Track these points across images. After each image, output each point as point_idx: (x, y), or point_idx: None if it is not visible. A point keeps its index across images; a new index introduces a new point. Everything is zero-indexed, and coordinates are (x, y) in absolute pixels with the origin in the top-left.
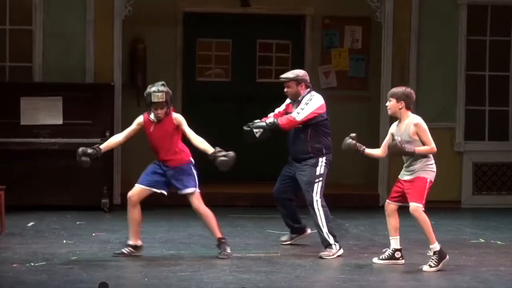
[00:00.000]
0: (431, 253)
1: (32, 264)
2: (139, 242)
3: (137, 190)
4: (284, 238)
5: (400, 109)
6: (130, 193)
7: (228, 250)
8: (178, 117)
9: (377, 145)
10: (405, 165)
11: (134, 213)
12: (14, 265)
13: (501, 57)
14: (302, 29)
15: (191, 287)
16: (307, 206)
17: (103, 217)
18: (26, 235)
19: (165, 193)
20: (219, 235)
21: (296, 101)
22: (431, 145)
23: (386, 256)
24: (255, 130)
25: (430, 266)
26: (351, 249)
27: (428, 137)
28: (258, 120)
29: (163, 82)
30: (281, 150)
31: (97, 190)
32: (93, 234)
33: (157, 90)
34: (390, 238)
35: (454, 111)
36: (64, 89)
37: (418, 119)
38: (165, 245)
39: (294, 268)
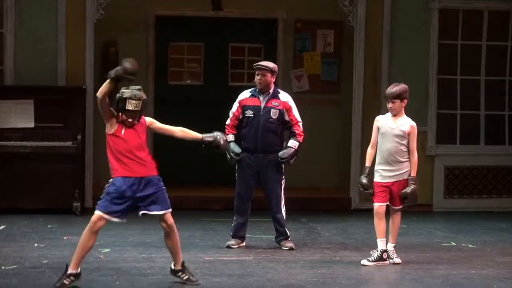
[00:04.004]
0: (391, 249)
1: (3, 267)
2: (79, 270)
3: (104, 218)
4: (232, 242)
5: (403, 107)
6: (96, 220)
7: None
8: (148, 118)
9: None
10: (386, 168)
11: (92, 240)
12: None
13: (473, 61)
14: (275, 32)
15: None
16: (270, 199)
17: (74, 220)
18: None
19: (124, 221)
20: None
21: (266, 93)
22: (415, 153)
23: (375, 258)
24: (291, 162)
25: (399, 258)
26: (323, 252)
27: (416, 142)
28: (285, 151)
29: (139, 87)
30: None
31: (68, 193)
32: (65, 238)
33: (133, 97)
34: (379, 240)
35: (425, 114)
36: (36, 92)
37: (413, 122)
38: (137, 248)
39: (266, 272)
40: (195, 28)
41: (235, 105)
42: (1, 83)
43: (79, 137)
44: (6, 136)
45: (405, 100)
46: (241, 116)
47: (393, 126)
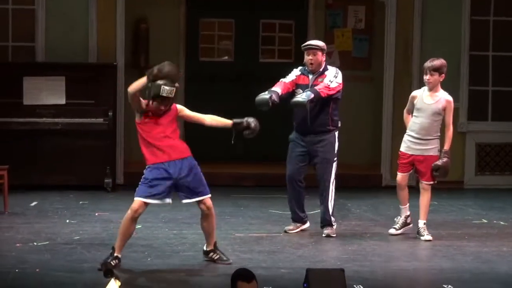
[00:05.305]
0: (422, 226)
1: (35, 243)
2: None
3: (143, 204)
4: (290, 227)
5: (440, 81)
6: (136, 206)
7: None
8: (179, 105)
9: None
10: (414, 135)
11: (133, 226)
12: (17, 244)
13: (505, 37)
14: (305, 9)
15: (194, 267)
16: (319, 181)
17: (106, 196)
18: (29, 215)
19: (170, 201)
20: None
21: (317, 72)
22: (451, 127)
23: (401, 225)
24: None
25: (430, 235)
26: (353, 229)
27: (452, 116)
28: (301, 94)
29: None
30: (286, 130)
31: (99, 170)
32: (96, 214)
33: (167, 84)
34: (403, 207)
35: (457, 91)
36: (67, 69)
37: (450, 96)
38: (168, 225)
39: (296, 248)
40: (226, 4)
41: (291, 77)
42: (33, 59)
43: (110, 113)
44: (37, 113)
45: (443, 74)
46: (291, 90)
47: (429, 102)
